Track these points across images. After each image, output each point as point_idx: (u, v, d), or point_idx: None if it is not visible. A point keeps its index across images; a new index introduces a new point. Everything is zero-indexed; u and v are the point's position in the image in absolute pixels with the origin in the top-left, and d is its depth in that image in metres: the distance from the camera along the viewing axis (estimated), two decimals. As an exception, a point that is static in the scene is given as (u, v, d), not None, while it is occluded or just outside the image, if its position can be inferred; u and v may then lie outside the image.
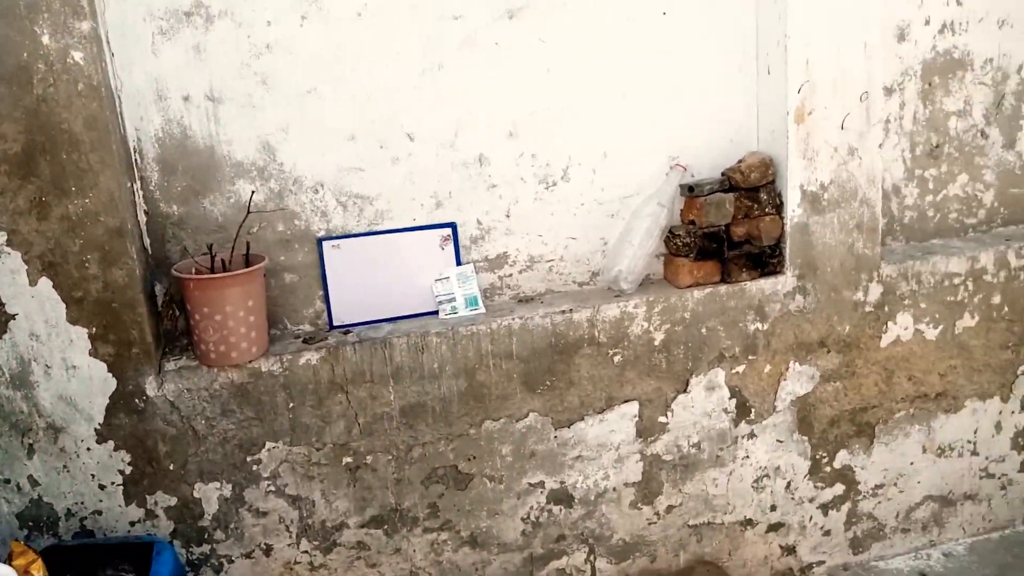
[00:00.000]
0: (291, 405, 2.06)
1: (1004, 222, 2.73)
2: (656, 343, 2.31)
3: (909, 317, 2.49)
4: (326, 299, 2.20)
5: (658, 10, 2.28)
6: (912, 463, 2.62)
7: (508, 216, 2.32)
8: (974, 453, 2.68)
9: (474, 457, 2.22)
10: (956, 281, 2.50)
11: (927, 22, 2.50)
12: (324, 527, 2.16)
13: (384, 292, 2.23)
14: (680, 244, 2.34)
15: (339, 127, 2.14)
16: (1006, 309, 2.57)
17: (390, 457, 2.15)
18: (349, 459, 2.13)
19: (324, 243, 2.18)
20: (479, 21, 2.18)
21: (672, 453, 2.39)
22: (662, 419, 2.36)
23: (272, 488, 2.10)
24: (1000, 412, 2.66)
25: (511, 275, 2.36)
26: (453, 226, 2.27)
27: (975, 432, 2.66)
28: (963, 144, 2.61)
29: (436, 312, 2.26)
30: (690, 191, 2.33)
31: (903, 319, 2.48)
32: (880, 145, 2.37)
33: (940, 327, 2.52)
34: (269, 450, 2.07)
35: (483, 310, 2.25)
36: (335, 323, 2.21)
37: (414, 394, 2.14)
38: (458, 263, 2.28)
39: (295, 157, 2.13)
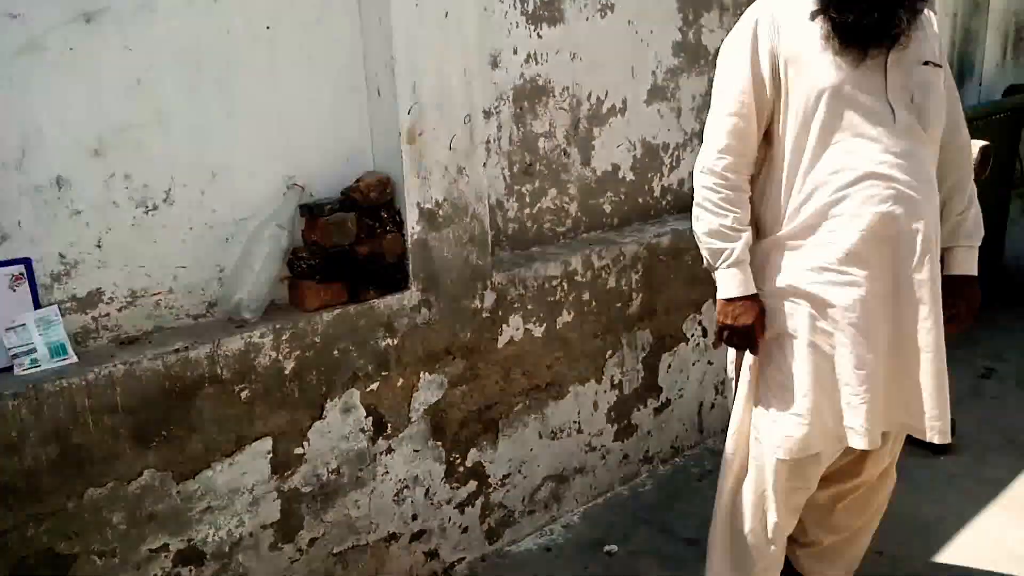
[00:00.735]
0: None
1: (586, 228, 3.15)
2: (287, 372, 2.20)
3: (519, 319, 2.74)
4: None
5: (261, 24, 2.17)
6: (532, 449, 2.90)
7: (100, 247, 2.01)
8: (579, 431, 3.05)
9: (76, 534, 1.88)
10: (554, 283, 2.82)
11: (515, 51, 2.76)
12: None
13: (-69, 351, 1.78)
14: (305, 266, 2.26)
15: None
16: (594, 304, 2.97)
17: (-44, 557, 1.73)
18: None
19: None
20: (47, 23, 1.84)
21: (311, 484, 2.31)
22: (298, 450, 2.26)
23: None
24: (596, 393, 3.07)
25: (108, 314, 2.05)
26: (27, 262, 1.90)
27: (578, 413, 3.03)
28: (551, 162, 2.95)
29: (11, 368, 1.87)
30: (310, 211, 2.27)
31: (514, 321, 2.72)
32: (484, 164, 2.56)
33: (544, 325, 2.82)
34: None
35: (75, 359, 1.92)
36: None
37: (-14, 473, 1.75)
38: (36, 306, 1.91)
39: None
